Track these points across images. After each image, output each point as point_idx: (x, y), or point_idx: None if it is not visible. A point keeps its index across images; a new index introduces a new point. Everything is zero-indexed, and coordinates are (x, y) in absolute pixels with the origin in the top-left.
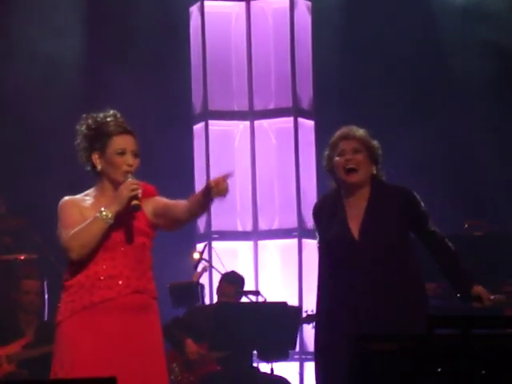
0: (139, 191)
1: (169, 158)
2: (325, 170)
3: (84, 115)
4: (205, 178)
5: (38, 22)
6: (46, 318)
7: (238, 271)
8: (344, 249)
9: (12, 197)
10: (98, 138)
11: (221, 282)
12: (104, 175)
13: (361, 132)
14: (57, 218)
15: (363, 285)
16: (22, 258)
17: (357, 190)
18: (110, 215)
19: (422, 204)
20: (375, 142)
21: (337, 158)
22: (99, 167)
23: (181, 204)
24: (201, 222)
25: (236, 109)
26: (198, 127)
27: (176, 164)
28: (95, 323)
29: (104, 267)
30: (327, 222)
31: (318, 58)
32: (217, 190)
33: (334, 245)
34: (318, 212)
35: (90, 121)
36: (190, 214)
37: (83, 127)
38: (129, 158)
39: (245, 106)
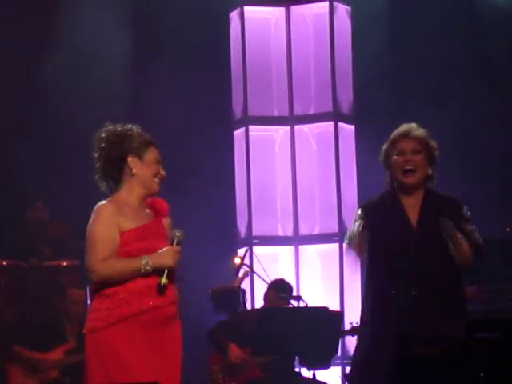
0: (177, 264)
1: (209, 163)
2: (381, 164)
3: (107, 124)
4: (245, 182)
5: (84, 21)
6: None
7: (285, 279)
8: (404, 238)
9: (54, 203)
10: (136, 143)
11: (268, 288)
12: (137, 179)
13: (421, 132)
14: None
15: (417, 283)
16: (65, 264)
17: (412, 190)
18: (149, 269)
19: (470, 220)
20: (434, 143)
21: (395, 157)
22: (134, 170)
23: None
24: (242, 227)
25: (276, 114)
26: (239, 133)
27: (217, 170)
28: (140, 330)
29: (151, 276)
30: (385, 220)
31: (358, 62)
32: None
33: (393, 242)
34: (370, 210)
35: (119, 128)
36: None
37: (109, 133)
38: (162, 170)
39: (285, 111)
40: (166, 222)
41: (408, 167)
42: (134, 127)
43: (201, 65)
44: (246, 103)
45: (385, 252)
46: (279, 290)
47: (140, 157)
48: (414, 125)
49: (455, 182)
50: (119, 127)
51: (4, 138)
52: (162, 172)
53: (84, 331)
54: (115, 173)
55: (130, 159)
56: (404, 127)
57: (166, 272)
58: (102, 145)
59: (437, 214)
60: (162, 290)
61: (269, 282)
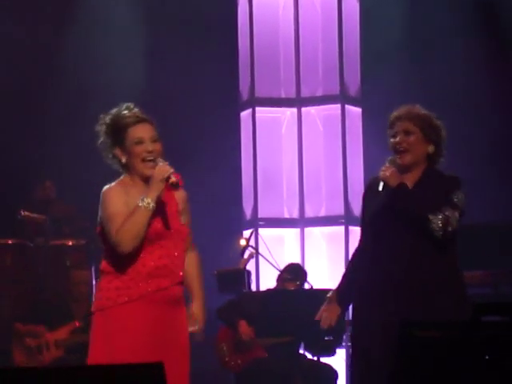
0: (171, 170)
1: (216, 144)
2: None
3: (102, 115)
4: (252, 164)
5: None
6: None
7: (299, 264)
8: (376, 220)
9: (61, 182)
10: (117, 132)
11: (282, 273)
12: (130, 167)
13: (417, 111)
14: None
15: (400, 255)
16: (71, 243)
17: (408, 170)
18: (150, 201)
19: (459, 196)
20: (437, 122)
21: (391, 139)
22: (123, 160)
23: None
24: (247, 209)
25: (283, 96)
26: (245, 114)
27: (223, 151)
28: (148, 311)
29: (159, 256)
30: (374, 196)
31: (365, 44)
32: None
33: (378, 215)
34: (367, 189)
35: (106, 118)
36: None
37: (102, 126)
38: (148, 145)
39: (292, 93)
40: (181, 195)
41: (399, 148)
42: (118, 110)
43: (208, 47)
44: (253, 84)
45: (366, 229)
46: (289, 272)
47: (122, 145)
48: (412, 106)
49: None
50: (107, 116)
51: (14, 116)
52: (147, 148)
53: (92, 310)
54: (116, 163)
55: (116, 152)
56: (400, 109)
57: (170, 179)
58: (100, 139)
59: (431, 190)
60: (176, 185)
61: (274, 264)
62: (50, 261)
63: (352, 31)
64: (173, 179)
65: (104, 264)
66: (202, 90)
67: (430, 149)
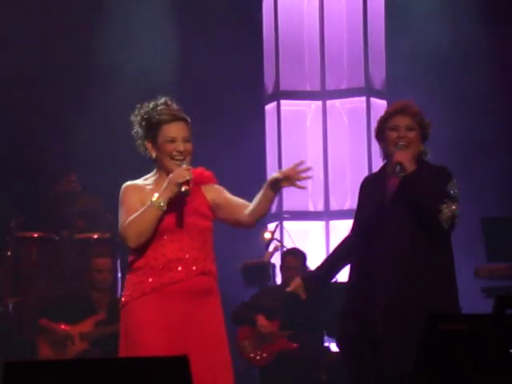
0: (188, 177)
1: (241, 137)
2: (374, 132)
3: (138, 105)
4: (277, 157)
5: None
6: (118, 296)
7: (299, 247)
8: (374, 213)
9: (87, 175)
10: (150, 126)
11: (284, 256)
12: (158, 162)
13: (415, 108)
14: (118, 202)
15: (387, 252)
16: (96, 236)
17: None
18: (162, 202)
19: (454, 188)
20: (428, 120)
21: (389, 132)
22: (153, 155)
23: (243, 206)
24: None
25: (308, 89)
26: (270, 107)
27: (248, 144)
28: (163, 305)
29: (172, 249)
30: (369, 191)
31: (390, 37)
32: (288, 179)
33: (367, 209)
34: (363, 185)
35: (142, 111)
36: (255, 219)
37: (138, 117)
38: (179, 145)
39: (317, 86)
40: (211, 189)
41: (401, 143)
42: (155, 104)
43: (233, 40)
44: (278, 78)
45: (359, 222)
46: (294, 254)
47: (154, 141)
48: (410, 101)
49: None
50: (143, 109)
51: (41, 112)
52: (179, 148)
53: (120, 304)
54: (147, 154)
55: (148, 146)
56: (400, 103)
57: (183, 187)
58: (134, 129)
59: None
60: (185, 194)
61: None
62: (75, 254)
63: (377, 23)
64: (185, 187)
65: (129, 259)
66: (228, 83)
67: (423, 147)
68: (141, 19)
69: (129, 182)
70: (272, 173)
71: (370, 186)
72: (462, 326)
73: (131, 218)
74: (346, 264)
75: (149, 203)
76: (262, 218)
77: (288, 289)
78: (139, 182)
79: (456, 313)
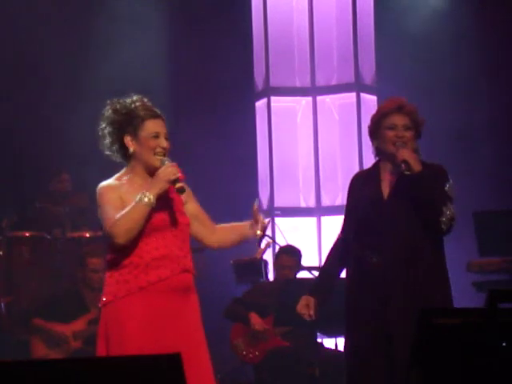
0: (178, 174)
1: (232, 134)
2: (367, 129)
3: (108, 101)
4: (267, 154)
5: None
6: None
7: (294, 244)
8: (371, 209)
9: (77, 174)
10: (130, 121)
11: (279, 254)
12: (136, 158)
13: (412, 107)
14: (96, 204)
15: (386, 248)
16: (88, 235)
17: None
18: (152, 199)
19: (450, 187)
20: (422, 118)
21: (387, 131)
22: (131, 149)
23: (211, 227)
24: (264, 198)
25: (298, 85)
26: (260, 104)
27: (239, 140)
28: (151, 304)
29: (156, 247)
30: (360, 187)
31: (380, 32)
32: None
33: (362, 205)
34: (353, 181)
35: (118, 105)
36: (218, 246)
37: (109, 112)
38: (163, 141)
39: (307, 82)
40: (189, 194)
41: (399, 143)
42: (131, 100)
43: (222, 36)
44: (267, 74)
45: (353, 217)
46: (290, 253)
47: (135, 135)
48: (404, 99)
49: None
50: (118, 104)
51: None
52: (163, 144)
53: (100, 304)
54: (120, 151)
55: (126, 139)
56: (396, 101)
57: (177, 184)
58: (103, 125)
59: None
60: (182, 190)
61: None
62: (67, 253)
63: (366, 19)
64: (179, 184)
65: (108, 257)
66: (217, 80)
67: (416, 144)
68: (129, 17)
69: (103, 183)
70: (263, 168)
71: (362, 183)
72: (455, 320)
73: (119, 215)
74: (343, 268)
75: (137, 200)
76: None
77: (298, 309)
78: (112, 181)
79: (449, 307)
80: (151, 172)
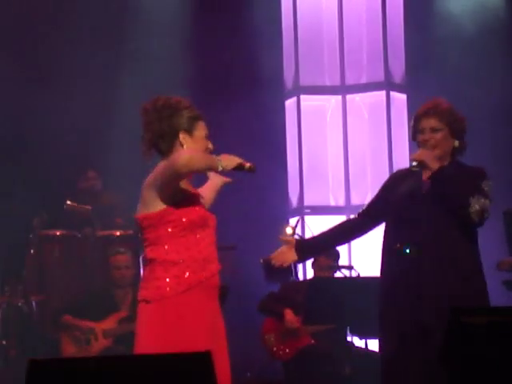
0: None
1: (261, 133)
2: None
3: (158, 96)
4: (297, 152)
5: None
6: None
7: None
8: (410, 201)
9: (108, 172)
10: (186, 118)
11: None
12: None
13: (443, 107)
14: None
15: (422, 241)
16: (118, 234)
17: None
18: (223, 166)
19: (488, 184)
20: (459, 116)
21: (418, 135)
22: (185, 146)
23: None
24: (293, 197)
25: (328, 83)
26: (290, 102)
27: (269, 139)
28: (205, 302)
29: (208, 243)
30: (400, 182)
31: (410, 30)
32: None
33: (401, 197)
34: (394, 175)
35: (170, 101)
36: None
37: (160, 106)
38: (210, 143)
39: (337, 81)
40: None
41: (427, 146)
42: (182, 100)
43: (253, 34)
44: (297, 73)
45: (393, 211)
46: (327, 254)
47: (190, 133)
48: (437, 100)
49: None
50: (169, 99)
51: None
52: (210, 146)
53: (148, 299)
54: (164, 147)
55: (181, 136)
56: (426, 104)
57: (247, 165)
58: (152, 118)
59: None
60: (254, 169)
61: None
62: (97, 251)
63: (396, 16)
64: (248, 164)
65: (155, 252)
66: (248, 78)
67: (456, 143)
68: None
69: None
70: (293, 167)
71: (405, 177)
72: (484, 319)
73: (201, 154)
74: (342, 241)
75: (217, 158)
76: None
77: (274, 262)
78: None
79: (478, 306)
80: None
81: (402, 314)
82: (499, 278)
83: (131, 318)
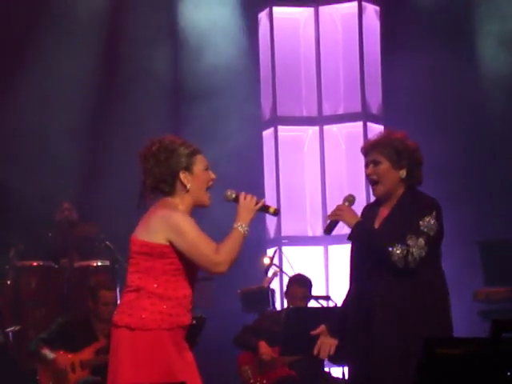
0: (262, 200)
1: (238, 164)
2: None
3: (152, 140)
4: (275, 183)
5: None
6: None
7: (304, 274)
8: (358, 247)
9: (84, 203)
10: (184, 157)
11: (290, 284)
12: (190, 193)
13: (382, 140)
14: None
15: (375, 287)
16: (95, 264)
17: (387, 198)
18: (247, 230)
19: (427, 221)
20: (405, 146)
21: (365, 170)
22: (189, 186)
23: None
24: (271, 227)
25: (305, 114)
26: (268, 133)
27: (246, 170)
28: (173, 339)
29: (191, 291)
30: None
31: (386, 62)
32: None
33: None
34: (361, 214)
35: (165, 143)
36: None
37: (156, 150)
38: (212, 173)
39: (314, 112)
40: None
41: (371, 180)
42: (175, 138)
43: (229, 65)
44: (275, 103)
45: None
46: (300, 284)
47: (190, 170)
48: (383, 133)
49: None
50: (162, 142)
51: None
52: (213, 176)
53: (132, 326)
54: (167, 189)
55: (182, 175)
56: (366, 140)
57: (270, 208)
58: (150, 164)
59: (406, 215)
60: (278, 212)
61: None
62: (74, 282)
63: (373, 48)
64: (273, 208)
65: (144, 282)
66: (225, 109)
67: (402, 174)
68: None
69: (179, 212)
70: (271, 197)
71: (367, 215)
72: (459, 350)
73: (226, 245)
74: None
75: (238, 230)
76: None
77: (312, 332)
78: (181, 211)
79: (452, 337)
80: (197, 205)
81: (358, 343)
82: (475, 309)
83: (109, 348)
